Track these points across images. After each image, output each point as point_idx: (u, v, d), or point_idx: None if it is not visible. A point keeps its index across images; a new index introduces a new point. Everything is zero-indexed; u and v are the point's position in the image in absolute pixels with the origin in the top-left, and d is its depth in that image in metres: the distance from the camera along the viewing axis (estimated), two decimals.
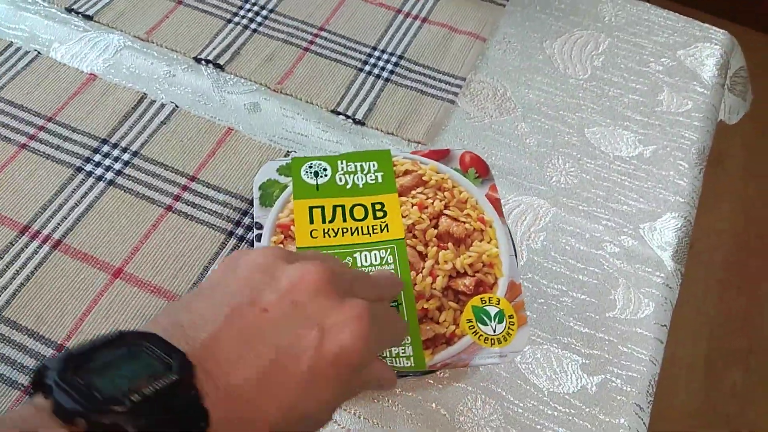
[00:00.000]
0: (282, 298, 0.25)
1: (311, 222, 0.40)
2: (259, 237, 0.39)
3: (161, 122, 0.50)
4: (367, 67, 0.55)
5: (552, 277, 0.46)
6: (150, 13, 0.57)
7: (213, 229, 0.44)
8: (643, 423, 0.40)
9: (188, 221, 0.44)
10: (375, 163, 0.42)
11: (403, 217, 0.40)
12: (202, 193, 0.46)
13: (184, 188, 0.46)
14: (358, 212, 0.40)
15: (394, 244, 0.39)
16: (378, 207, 0.41)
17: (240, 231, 0.45)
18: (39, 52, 0.53)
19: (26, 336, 0.39)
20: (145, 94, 0.51)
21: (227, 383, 0.23)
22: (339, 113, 0.52)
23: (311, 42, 0.56)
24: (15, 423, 0.20)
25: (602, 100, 0.55)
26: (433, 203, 0.41)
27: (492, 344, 0.36)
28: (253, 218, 0.40)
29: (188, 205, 0.45)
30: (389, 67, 0.56)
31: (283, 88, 0.53)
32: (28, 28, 0.55)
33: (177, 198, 0.45)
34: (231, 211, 0.45)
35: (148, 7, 0.57)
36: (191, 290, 0.28)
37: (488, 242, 0.40)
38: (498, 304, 0.38)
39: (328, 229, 0.40)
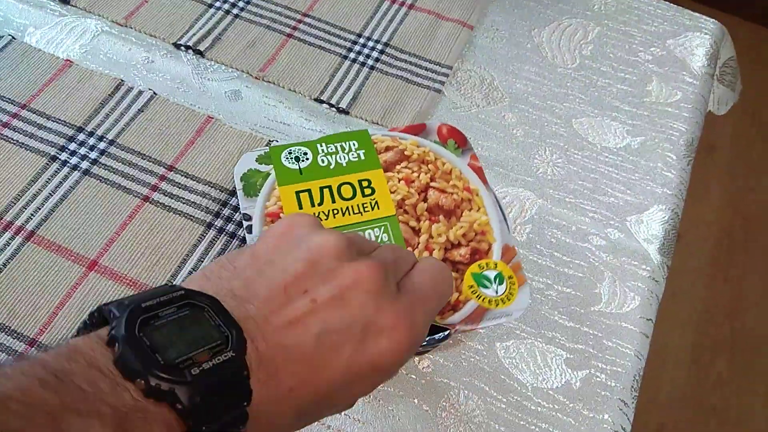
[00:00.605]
0: (334, 295, 0.25)
1: (300, 207, 0.39)
2: (249, 228, 0.38)
3: (139, 110, 0.48)
4: (352, 55, 0.54)
5: (537, 270, 0.45)
6: None
7: (191, 220, 0.43)
8: (627, 419, 0.40)
9: (166, 212, 0.43)
10: (355, 142, 0.42)
11: (391, 192, 0.40)
12: (180, 184, 0.45)
13: (162, 178, 0.45)
14: (346, 191, 0.40)
15: (387, 222, 0.39)
16: (365, 184, 0.40)
17: (219, 222, 0.43)
18: (13, 37, 0.52)
19: None
20: (122, 80, 0.50)
21: (271, 366, 0.23)
22: (322, 102, 0.51)
23: (294, 28, 0.55)
24: (84, 374, 0.20)
25: (590, 90, 0.55)
26: (419, 176, 0.41)
27: (497, 305, 0.37)
28: (233, 209, 0.39)
29: (166, 196, 0.44)
30: (374, 54, 0.54)
31: (265, 76, 0.52)
32: (1, 11, 0.53)
33: (154, 188, 0.44)
34: (210, 201, 0.44)
35: None
36: (240, 248, 0.28)
37: (477, 210, 0.41)
38: (495, 267, 0.38)
39: (318, 213, 0.39)
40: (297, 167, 0.41)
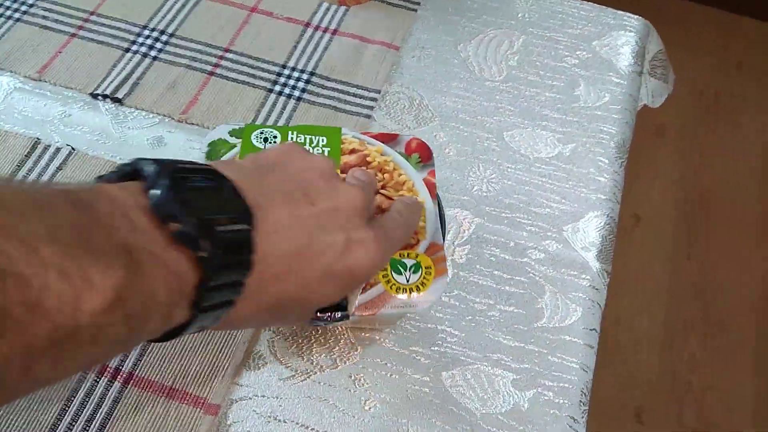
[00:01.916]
0: (330, 204, 0.30)
1: None
2: None
3: (57, 168, 0.47)
4: (278, 87, 0.53)
5: (479, 292, 0.45)
6: (41, 50, 0.53)
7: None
8: None
9: None
10: (324, 138, 0.43)
11: None
12: None
13: None
14: None
15: None
16: None
17: None
18: None
19: None
20: (38, 139, 0.48)
21: (266, 250, 0.27)
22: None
23: (216, 65, 0.54)
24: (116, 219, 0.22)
25: (519, 101, 0.55)
26: None
27: (403, 292, 0.36)
28: None
29: None
30: (300, 84, 0.54)
31: (188, 118, 0.51)
32: None
33: None
34: None
35: (38, 43, 0.54)
36: (251, 156, 0.32)
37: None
38: (416, 258, 0.38)
39: None
40: (262, 146, 0.42)
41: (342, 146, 0.43)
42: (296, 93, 0.53)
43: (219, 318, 0.26)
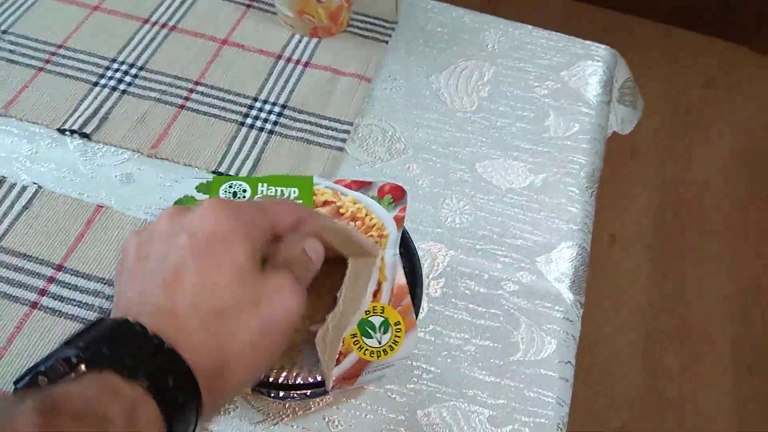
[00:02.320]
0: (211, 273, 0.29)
1: None
2: None
3: (23, 207, 0.46)
4: (249, 120, 0.53)
5: (454, 326, 0.45)
6: (7, 84, 0.53)
7: (84, 324, 0.41)
8: None
9: (56, 318, 0.41)
10: (296, 189, 0.42)
11: None
12: (70, 284, 0.42)
13: (51, 280, 0.42)
14: None
15: None
16: None
17: None
18: None
19: None
20: (4, 177, 0.47)
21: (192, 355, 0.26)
22: (221, 174, 0.50)
23: (186, 98, 0.53)
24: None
25: (491, 132, 0.55)
26: None
27: (378, 356, 0.35)
28: None
29: (56, 300, 0.42)
30: (272, 118, 0.53)
31: (157, 153, 0.50)
32: None
33: (42, 292, 0.42)
34: (103, 300, 0.42)
35: (4, 77, 0.53)
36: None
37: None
38: (383, 312, 0.37)
39: None
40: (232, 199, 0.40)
41: (315, 198, 0.42)
42: (268, 126, 0.53)
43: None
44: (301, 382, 0.36)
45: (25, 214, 0.45)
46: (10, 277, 0.42)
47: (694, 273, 1.43)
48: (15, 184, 0.47)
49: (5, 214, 0.45)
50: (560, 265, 0.48)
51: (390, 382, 0.42)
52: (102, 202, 0.47)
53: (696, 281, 1.42)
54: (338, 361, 0.35)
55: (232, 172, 0.50)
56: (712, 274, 1.43)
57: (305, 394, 0.36)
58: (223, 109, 0.53)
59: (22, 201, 0.46)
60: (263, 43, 0.58)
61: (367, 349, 0.35)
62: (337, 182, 0.43)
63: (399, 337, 0.36)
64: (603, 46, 0.64)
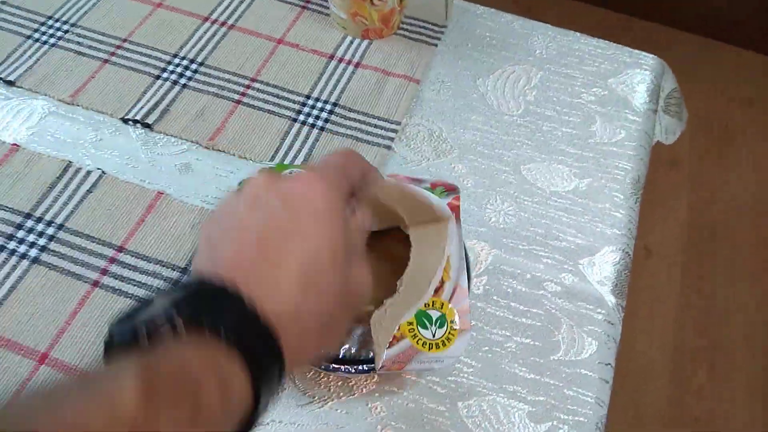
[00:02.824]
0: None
1: None
2: None
3: (87, 191, 0.48)
4: (302, 117, 0.55)
5: (495, 323, 0.45)
6: (75, 75, 0.55)
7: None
8: None
9: (116, 296, 0.43)
10: None
11: None
12: (130, 265, 0.44)
13: (112, 260, 0.45)
14: None
15: None
16: None
17: None
18: None
19: None
20: (70, 162, 0.50)
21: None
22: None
23: (243, 94, 0.56)
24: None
25: (537, 135, 0.56)
26: None
27: (430, 348, 0.36)
28: None
29: (116, 279, 0.44)
30: (324, 115, 0.55)
31: (215, 145, 0.52)
32: None
33: (104, 272, 0.44)
34: (161, 281, 0.44)
35: (72, 68, 0.56)
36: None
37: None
38: (441, 308, 0.37)
39: None
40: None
41: None
42: (319, 123, 0.55)
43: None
44: (349, 357, 0.37)
45: (89, 197, 0.48)
46: (74, 256, 0.45)
47: (727, 291, 1.41)
48: (80, 168, 0.49)
49: (71, 197, 0.48)
50: (603, 268, 0.49)
51: (432, 373, 0.43)
52: (162, 190, 0.49)
53: (730, 299, 1.40)
54: (390, 344, 0.36)
55: None
56: (745, 293, 1.41)
57: (350, 369, 0.37)
58: (278, 105, 0.55)
59: (87, 185, 0.48)
60: (317, 43, 0.60)
61: (420, 339, 0.36)
62: (390, 175, 0.43)
63: (453, 334, 0.36)
64: (651, 56, 0.64)
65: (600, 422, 0.42)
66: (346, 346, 0.38)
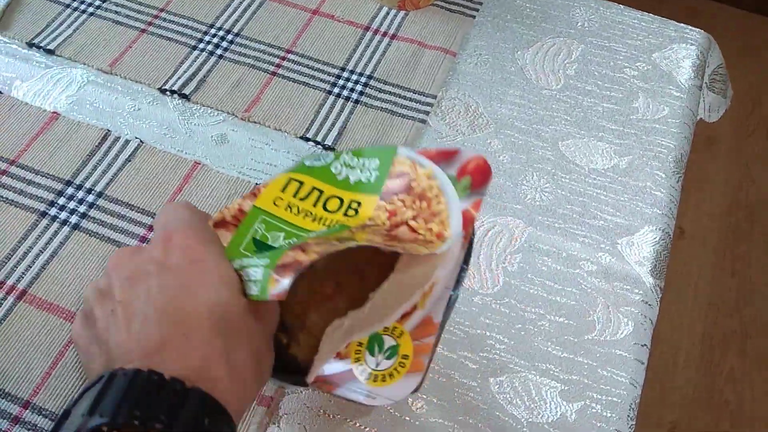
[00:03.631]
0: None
1: (282, 191, 0.36)
2: None
3: (126, 159, 0.49)
4: (336, 89, 0.54)
5: (529, 301, 0.45)
6: (113, 44, 0.56)
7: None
8: None
9: None
10: (377, 160, 0.38)
11: (368, 221, 0.36)
12: None
13: (150, 228, 0.45)
14: (332, 204, 0.37)
15: (341, 225, 0.35)
16: (354, 206, 0.37)
17: None
18: (0, 92, 0.52)
19: None
20: (109, 131, 0.50)
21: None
22: (308, 139, 0.51)
23: (278, 65, 0.55)
24: None
25: (576, 111, 0.54)
26: (404, 212, 0.37)
27: (366, 378, 0.32)
28: None
29: None
30: (359, 88, 0.55)
31: (251, 116, 0.52)
32: None
33: (143, 240, 0.45)
34: None
35: (110, 37, 0.56)
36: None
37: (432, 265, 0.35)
38: (399, 337, 0.33)
39: (294, 205, 0.36)
40: (309, 163, 0.38)
41: (392, 168, 0.38)
42: (354, 96, 0.54)
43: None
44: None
45: (128, 166, 0.48)
46: (114, 224, 0.45)
47: (762, 274, 1.37)
48: (119, 137, 0.50)
49: (110, 165, 0.48)
50: (642, 248, 0.48)
51: (463, 348, 0.43)
52: (198, 160, 0.49)
53: (764, 283, 1.36)
54: (334, 358, 0.33)
55: (318, 139, 0.51)
56: None
57: (283, 380, 0.34)
58: (312, 77, 0.55)
59: (126, 154, 0.49)
60: (352, 14, 0.59)
61: (362, 365, 0.32)
62: (420, 152, 0.39)
63: (398, 372, 0.32)
64: (697, 30, 0.62)
65: (634, 403, 0.42)
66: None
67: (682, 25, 0.62)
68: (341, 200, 0.37)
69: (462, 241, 0.35)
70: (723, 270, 1.38)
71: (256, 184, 0.48)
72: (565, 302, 0.45)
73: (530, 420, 0.40)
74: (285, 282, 0.30)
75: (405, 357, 0.32)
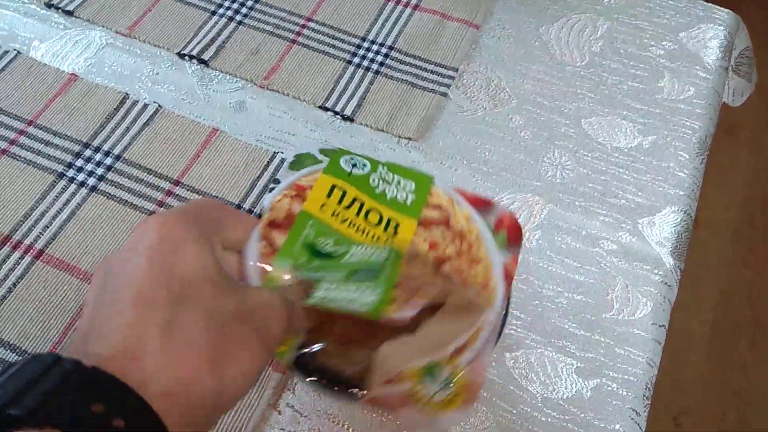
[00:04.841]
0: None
1: (328, 197, 0.37)
2: (271, 189, 0.37)
3: (144, 123, 0.48)
4: (356, 59, 0.53)
5: (547, 278, 0.45)
6: (132, 7, 0.55)
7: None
8: (640, 428, 0.40)
9: None
10: (413, 183, 0.39)
11: (410, 244, 0.36)
12: (186, 198, 0.45)
13: (169, 193, 0.45)
14: (373, 217, 0.37)
15: (395, 251, 0.35)
16: (393, 224, 0.37)
17: None
18: (19, 52, 0.52)
19: (9, 351, 0.38)
20: (127, 94, 0.50)
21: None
22: (327, 109, 0.51)
23: (298, 33, 0.55)
24: None
25: (600, 88, 0.53)
26: (444, 248, 0.37)
27: (423, 406, 0.32)
28: None
29: None
30: (379, 58, 0.54)
31: (269, 84, 0.52)
32: (7, 26, 0.53)
33: (161, 204, 0.44)
34: None
35: (128, 1, 0.55)
36: None
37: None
38: (454, 369, 0.33)
39: (339, 212, 0.37)
40: (349, 170, 0.39)
41: (429, 198, 0.38)
42: (374, 66, 0.53)
43: None
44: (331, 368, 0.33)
45: (146, 130, 0.48)
46: (132, 187, 0.45)
47: None
48: (137, 101, 0.50)
49: (128, 129, 0.48)
50: (664, 229, 0.47)
51: None
52: (216, 126, 0.49)
53: None
54: (388, 382, 0.33)
55: (337, 109, 0.51)
56: None
57: (338, 389, 0.33)
58: (333, 46, 0.54)
59: (144, 118, 0.49)
60: None
61: (419, 393, 0.32)
62: (456, 190, 0.39)
63: (454, 402, 0.33)
64: (726, 10, 0.60)
65: (650, 382, 0.41)
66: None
67: (710, 5, 0.60)
68: (381, 215, 0.37)
69: (506, 291, 0.35)
70: (737, 260, 1.37)
71: (275, 153, 0.48)
72: (584, 280, 0.45)
73: (545, 396, 0.40)
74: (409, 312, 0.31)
75: (457, 395, 0.33)
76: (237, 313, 0.26)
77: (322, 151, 0.40)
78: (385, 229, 0.37)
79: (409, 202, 0.38)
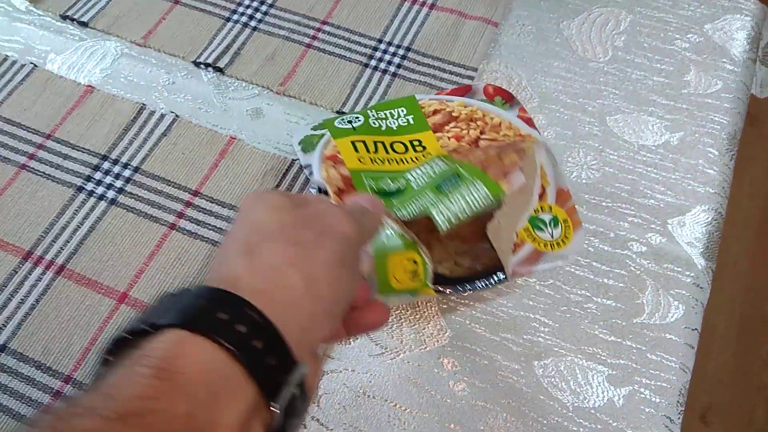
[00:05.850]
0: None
1: (356, 151, 0.42)
2: (311, 172, 0.41)
3: (162, 134, 0.48)
4: (373, 62, 0.53)
5: (575, 283, 0.43)
6: (146, 16, 0.55)
7: (218, 247, 0.43)
8: None
9: (192, 239, 0.43)
10: (403, 108, 0.45)
11: (442, 147, 0.42)
12: (205, 209, 0.44)
13: (188, 204, 0.44)
14: (399, 147, 0.43)
15: (444, 157, 0.41)
16: (416, 143, 0.43)
17: None
18: (35, 65, 0.52)
19: (33, 368, 0.38)
20: (144, 104, 0.49)
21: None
22: (344, 114, 0.50)
23: (314, 38, 0.54)
24: None
25: (625, 84, 0.52)
26: (468, 133, 0.43)
27: (552, 248, 0.39)
28: None
29: (192, 223, 0.44)
30: (396, 60, 0.53)
31: (285, 90, 0.51)
32: (23, 39, 0.53)
33: (180, 215, 0.44)
34: None
35: (143, 9, 0.55)
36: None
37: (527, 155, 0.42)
38: (551, 210, 0.40)
39: (374, 158, 0.42)
40: (351, 126, 0.43)
41: (423, 110, 0.44)
42: (392, 68, 0.52)
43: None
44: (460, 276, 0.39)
45: (163, 140, 0.48)
46: (151, 199, 0.45)
47: None
48: (154, 111, 0.49)
49: (145, 140, 0.48)
50: (694, 229, 0.45)
51: (506, 331, 0.42)
52: (234, 134, 0.48)
53: None
54: (513, 251, 0.38)
55: None
56: None
57: (493, 280, 0.38)
58: (348, 49, 0.53)
59: (161, 128, 0.48)
60: None
61: (541, 241, 0.39)
62: (438, 94, 0.45)
63: (569, 232, 0.39)
64: (752, 0, 0.58)
65: (683, 388, 0.40)
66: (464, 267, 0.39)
67: None
68: (402, 143, 0.43)
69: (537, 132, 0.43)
70: (762, 255, 1.34)
71: (293, 161, 0.47)
72: (613, 284, 0.43)
73: (576, 404, 0.39)
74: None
75: (565, 221, 0.40)
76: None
77: (314, 128, 0.45)
78: (414, 150, 0.42)
79: (412, 122, 0.44)
